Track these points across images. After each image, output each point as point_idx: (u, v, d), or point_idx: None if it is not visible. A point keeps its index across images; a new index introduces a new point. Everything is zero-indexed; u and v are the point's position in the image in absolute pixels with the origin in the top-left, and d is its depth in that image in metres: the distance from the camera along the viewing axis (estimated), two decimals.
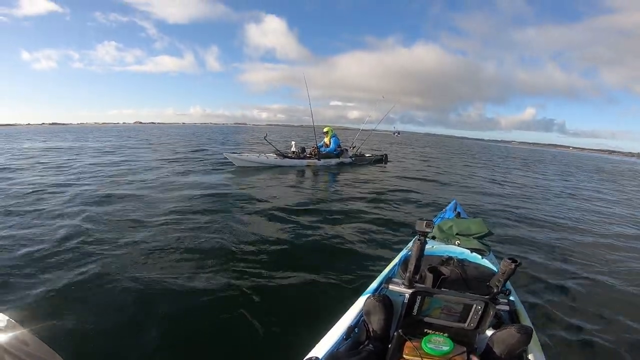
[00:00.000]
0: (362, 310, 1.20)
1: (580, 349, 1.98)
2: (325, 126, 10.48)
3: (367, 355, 1.02)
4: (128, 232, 3.49)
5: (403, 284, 1.36)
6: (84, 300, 2.22)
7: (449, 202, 3.21)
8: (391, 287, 1.38)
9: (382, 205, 5.34)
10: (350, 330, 1.18)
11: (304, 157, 9.45)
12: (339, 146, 10.22)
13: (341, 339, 1.14)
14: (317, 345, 1.13)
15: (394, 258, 1.87)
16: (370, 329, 1.13)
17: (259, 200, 5.16)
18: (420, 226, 1.28)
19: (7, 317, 0.66)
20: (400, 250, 2.07)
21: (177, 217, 4.05)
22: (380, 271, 1.72)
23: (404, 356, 0.98)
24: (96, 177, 6.90)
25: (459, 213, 2.83)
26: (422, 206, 5.51)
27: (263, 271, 2.69)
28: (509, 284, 1.38)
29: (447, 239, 1.98)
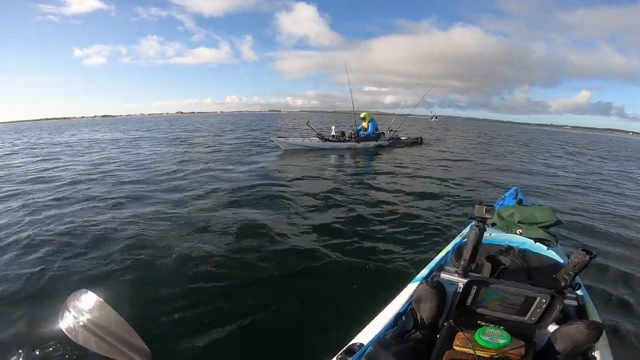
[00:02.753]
0: (411, 297, 1.17)
1: None
2: (362, 112, 10.97)
3: (415, 344, 0.99)
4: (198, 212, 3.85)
5: (457, 272, 1.26)
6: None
7: (508, 189, 3.02)
8: (443, 275, 1.29)
9: (424, 188, 5.27)
10: (397, 318, 1.16)
11: (344, 140, 10.07)
12: (377, 130, 10.71)
13: (388, 326, 1.12)
14: (362, 332, 1.12)
15: (446, 245, 1.78)
16: (419, 317, 1.09)
17: (306, 182, 5.38)
18: (480, 211, 1.18)
19: (96, 296, 0.71)
20: (452, 237, 1.98)
21: (237, 195, 4.56)
22: (430, 258, 1.66)
23: (454, 347, 0.94)
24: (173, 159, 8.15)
25: (520, 200, 2.60)
26: (467, 192, 5.24)
27: (308, 254, 2.71)
28: (578, 278, 1.27)
29: (508, 227, 1.85)
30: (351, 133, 10.37)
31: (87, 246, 2.89)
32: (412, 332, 1.06)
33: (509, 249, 1.48)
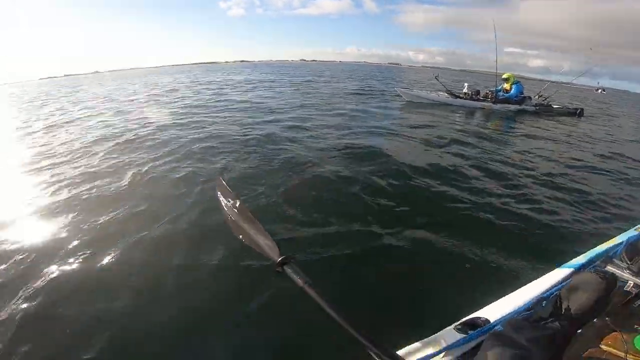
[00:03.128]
0: (560, 283, 1.07)
1: None
2: (505, 73, 9.41)
3: (554, 333, 0.90)
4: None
5: (629, 269, 1.13)
6: None
7: None
8: (610, 267, 1.17)
9: (585, 162, 4.54)
10: (537, 302, 1.06)
11: (478, 100, 9.01)
12: (522, 93, 9.10)
13: (522, 309, 1.04)
14: (486, 307, 1.05)
15: (615, 236, 1.59)
16: (564, 306, 0.98)
17: (429, 142, 5.03)
18: None
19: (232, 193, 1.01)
20: (623, 228, 1.77)
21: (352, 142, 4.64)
22: (587, 246, 1.51)
23: (601, 346, 0.87)
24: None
25: None
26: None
27: (431, 224, 2.54)
28: None
29: None
30: (487, 92, 9.15)
31: None
32: (550, 320, 0.96)
33: None
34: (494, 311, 1.03)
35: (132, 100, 10.36)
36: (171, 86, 15.23)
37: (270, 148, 4.21)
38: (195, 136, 4.90)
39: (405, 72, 42.47)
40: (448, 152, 4.48)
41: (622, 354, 0.85)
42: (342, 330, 0.61)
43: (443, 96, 9.10)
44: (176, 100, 9.76)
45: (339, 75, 24.39)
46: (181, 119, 6.43)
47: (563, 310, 0.98)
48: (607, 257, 1.28)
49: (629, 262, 1.19)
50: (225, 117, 6.50)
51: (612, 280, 0.98)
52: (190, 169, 3.51)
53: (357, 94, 10.91)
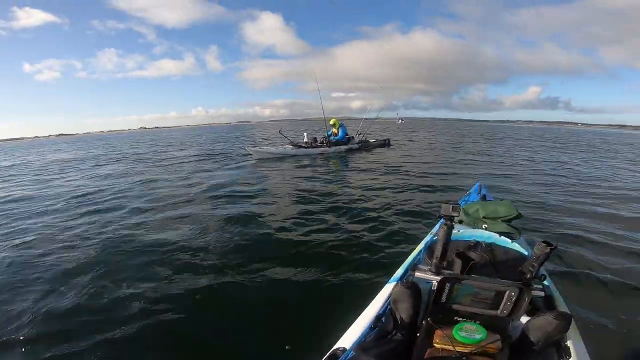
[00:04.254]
0: (388, 298, 1.18)
1: (621, 335, 1.89)
2: (331, 118, 11.45)
3: (396, 345, 1.00)
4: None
5: (430, 270, 1.27)
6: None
7: (473, 185, 3.13)
8: (417, 274, 1.30)
9: (393, 189, 5.44)
10: (377, 320, 1.16)
11: (317, 146, 10.48)
12: (347, 134, 11.22)
13: (368, 329, 1.12)
14: (344, 335, 1.11)
15: (418, 244, 1.82)
16: (398, 317, 1.10)
17: (279, 190, 5.47)
18: (447, 210, 1.23)
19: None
20: (424, 235, 2.01)
21: (211, 205, 4.69)
22: (404, 258, 1.68)
23: (434, 345, 0.96)
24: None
25: (484, 196, 2.71)
26: (435, 190, 5.42)
27: (286, 263, 2.73)
28: (542, 269, 1.31)
29: (474, 223, 1.89)
30: (323, 139, 10.79)
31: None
32: (393, 333, 1.07)
33: (476, 244, 1.52)
34: (349, 337, 1.09)
35: None
36: None
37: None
38: None
39: (254, 129, 44.75)
40: (299, 199, 4.87)
41: (451, 348, 0.94)
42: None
43: (288, 148, 10.13)
44: None
45: (186, 139, 23.68)
46: None
47: (399, 321, 1.10)
48: (415, 264, 1.44)
49: (429, 264, 1.32)
50: None
51: (415, 287, 1.11)
52: None
53: (205, 159, 10.75)
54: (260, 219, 3.92)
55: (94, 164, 11.15)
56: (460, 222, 1.94)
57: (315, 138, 10.86)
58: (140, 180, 7.00)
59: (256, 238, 3.33)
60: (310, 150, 10.24)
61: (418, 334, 1.05)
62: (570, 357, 1.00)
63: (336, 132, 11.10)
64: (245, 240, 3.28)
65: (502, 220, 1.86)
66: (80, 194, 5.93)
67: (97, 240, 3.44)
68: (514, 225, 1.83)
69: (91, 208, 4.85)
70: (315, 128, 22.33)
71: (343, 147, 10.91)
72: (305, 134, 11.32)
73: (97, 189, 6.35)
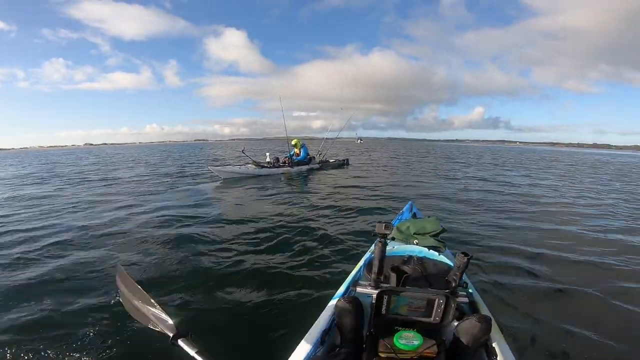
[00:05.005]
0: (333, 314, 1.23)
1: (538, 333, 2.09)
2: (293, 139, 11.94)
3: (345, 357, 1.05)
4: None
5: (369, 285, 1.39)
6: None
7: (406, 204, 3.33)
8: (359, 289, 1.41)
9: (345, 208, 5.68)
10: (324, 335, 1.21)
11: (279, 166, 10.74)
12: (308, 154, 11.72)
13: (316, 345, 1.16)
14: (293, 354, 1.13)
15: (360, 261, 1.93)
16: (344, 331, 1.16)
17: (231, 211, 5.47)
18: (380, 229, 1.35)
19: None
20: (365, 253, 2.13)
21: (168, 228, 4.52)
22: (347, 275, 1.78)
23: (380, 354, 1.00)
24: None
25: (414, 214, 2.94)
26: (382, 208, 5.72)
27: (232, 284, 2.73)
28: (466, 277, 1.42)
29: (406, 239, 2.06)
30: (285, 159, 11.07)
31: None
32: (341, 346, 1.13)
33: (409, 259, 1.65)
34: (299, 355, 1.11)
35: None
36: None
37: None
38: None
39: (214, 148, 43.58)
40: (251, 219, 4.90)
41: (394, 355, 0.99)
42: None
43: (251, 168, 10.21)
44: None
45: (139, 157, 22.61)
46: None
47: (345, 335, 1.16)
48: (356, 280, 1.55)
49: (368, 279, 1.46)
50: None
51: (356, 302, 1.18)
52: None
53: (153, 179, 10.27)
54: (207, 241, 3.87)
55: (21, 183, 10.28)
56: (393, 239, 2.11)
57: (277, 158, 11.15)
58: (71, 204, 6.41)
59: (200, 261, 3.24)
60: (273, 170, 10.48)
61: (364, 346, 1.10)
62: (496, 356, 1.07)
63: (298, 152, 11.53)
64: (186, 263, 3.19)
65: (430, 236, 2.04)
66: None
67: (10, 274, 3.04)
68: (440, 240, 2.02)
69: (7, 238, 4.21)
70: (275, 147, 22.56)
71: (305, 167, 11.34)
72: (267, 154, 11.60)
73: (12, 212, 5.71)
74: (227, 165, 11.20)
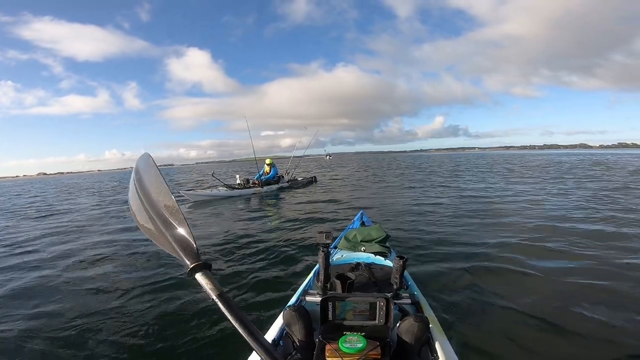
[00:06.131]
0: (283, 323, 1.24)
1: (480, 331, 2.09)
2: (267, 158, 12.30)
3: None
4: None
5: (318, 293, 1.42)
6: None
7: (357, 214, 3.41)
8: (308, 298, 1.44)
9: (308, 223, 5.78)
10: (277, 343, 1.23)
11: (249, 187, 11.02)
12: (277, 173, 12.08)
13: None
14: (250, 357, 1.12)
15: (311, 272, 1.95)
16: (295, 339, 1.17)
17: (205, 235, 5.28)
18: (321, 238, 1.38)
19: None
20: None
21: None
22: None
23: (327, 359, 1.02)
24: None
25: (363, 222, 3.02)
26: (345, 219, 5.77)
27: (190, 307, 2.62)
28: (410, 278, 1.46)
29: (354, 247, 2.10)
30: (255, 181, 11.30)
31: None
32: (293, 354, 1.13)
33: (357, 265, 1.70)
34: None
35: None
36: None
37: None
38: None
39: (180, 173, 40.50)
40: (218, 240, 4.87)
41: (340, 359, 0.99)
42: (248, 342, 0.66)
43: (223, 190, 10.36)
44: None
45: (99, 185, 21.35)
46: None
47: (297, 343, 1.17)
48: (306, 290, 1.57)
49: (317, 288, 1.50)
50: None
51: (302, 310, 1.18)
52: None
53: (111, 208, 9.63)
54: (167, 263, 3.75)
55: None
56: (343, 248, 2.18)
57: (247, 179, 11.45)
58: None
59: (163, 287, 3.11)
60: (244, 191, 10.67)
61: (315, 352, 1.11)
62: (437, 354, 1.12)
63: (268, 171, 11.86)
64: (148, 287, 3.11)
65: (376, 242, 2.10)
66: None
67: None
68: (385, 245, 2.10)
69: None
70: (244, 169, 22.32)
71: (274, 186, 11.65)
72: (237, 175, 11.83)
73: None
74: (198, 189, 11.32)
